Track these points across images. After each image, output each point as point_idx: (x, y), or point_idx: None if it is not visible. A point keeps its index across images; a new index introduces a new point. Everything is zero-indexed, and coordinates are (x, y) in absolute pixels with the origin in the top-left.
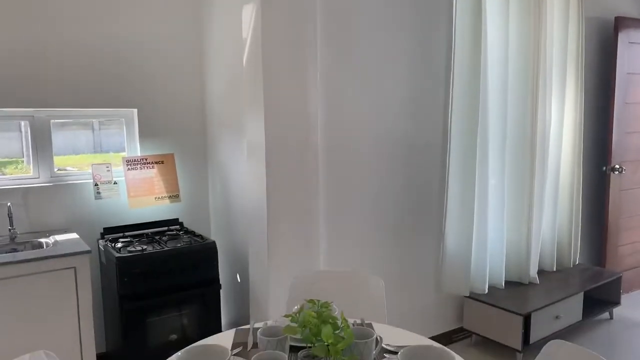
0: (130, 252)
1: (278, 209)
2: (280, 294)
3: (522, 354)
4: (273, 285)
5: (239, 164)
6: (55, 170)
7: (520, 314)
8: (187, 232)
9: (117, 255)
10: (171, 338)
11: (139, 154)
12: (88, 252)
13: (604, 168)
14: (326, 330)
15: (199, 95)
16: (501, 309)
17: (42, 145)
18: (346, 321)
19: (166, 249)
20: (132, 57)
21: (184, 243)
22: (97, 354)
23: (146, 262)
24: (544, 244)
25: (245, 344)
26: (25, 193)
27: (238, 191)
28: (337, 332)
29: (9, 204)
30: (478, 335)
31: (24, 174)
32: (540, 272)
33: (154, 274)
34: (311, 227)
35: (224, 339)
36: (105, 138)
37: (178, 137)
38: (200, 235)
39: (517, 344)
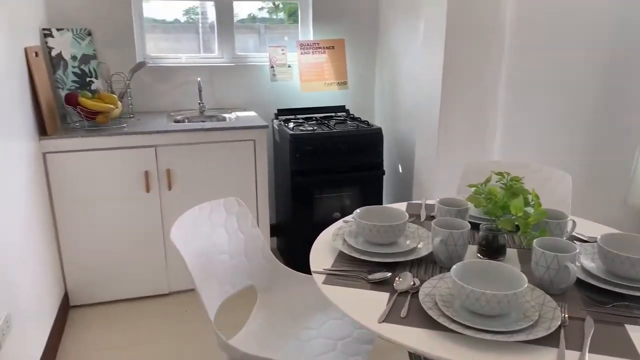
0: (302, 131)
1: (453, 97)
2: (447, 180)
3: None
4: (440, 172)
5: (413, 50)
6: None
7: None
8: (354, 118)
9: (291, 132)
10: (335, 215)
11: (312, 39)
12: (265, 127)
13: None
14: (517, 202)
15: None
16: None
17: (225, 25)
18: (537, 198)
19: (335, 131)
20: None
21: (351, 127)
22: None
23: (316, 141)
24: None
25: (418, 215)
26: (212, 71)
27: (407, 79)
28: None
29: (199, 79)
30: None
31: (211, 53)
32: None
33: (323, 153)
34: (487, 118)
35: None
36: (269, 42)
37: (350, 21)
38: (366, 122)
39: None
